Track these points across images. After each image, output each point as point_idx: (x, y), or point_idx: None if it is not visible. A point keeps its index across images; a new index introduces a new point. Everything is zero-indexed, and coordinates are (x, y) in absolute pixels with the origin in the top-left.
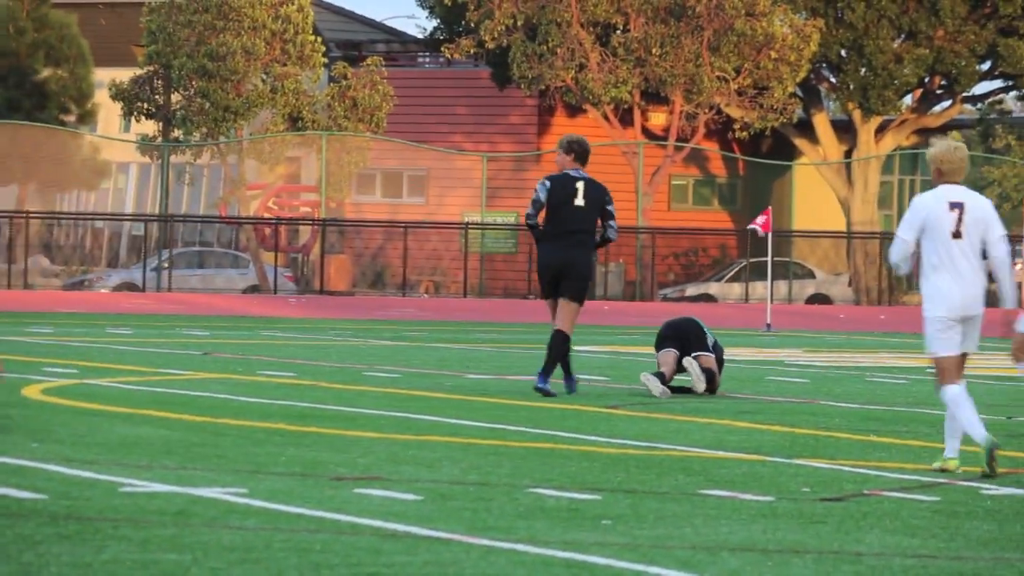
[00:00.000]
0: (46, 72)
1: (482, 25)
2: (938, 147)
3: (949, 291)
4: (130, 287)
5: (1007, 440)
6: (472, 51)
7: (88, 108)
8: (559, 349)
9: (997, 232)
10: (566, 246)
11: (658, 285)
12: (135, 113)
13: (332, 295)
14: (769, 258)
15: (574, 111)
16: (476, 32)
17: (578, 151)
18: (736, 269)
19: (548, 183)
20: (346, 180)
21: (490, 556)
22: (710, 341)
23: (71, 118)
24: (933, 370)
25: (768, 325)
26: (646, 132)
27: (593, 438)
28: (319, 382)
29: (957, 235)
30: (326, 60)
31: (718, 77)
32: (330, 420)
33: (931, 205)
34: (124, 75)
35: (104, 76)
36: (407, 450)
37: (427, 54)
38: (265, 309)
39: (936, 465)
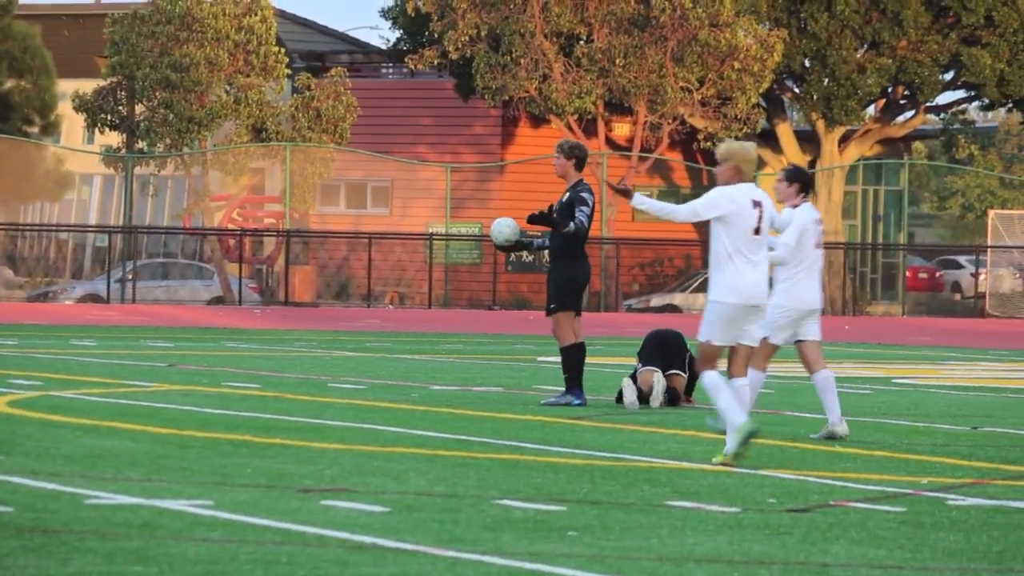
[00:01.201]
0: (9, 83)
1: (446, 36)
2: (734, 145)
3: (744, 283)
4: (94, 299)
5: (972, 450)
6: (436, 62)
7: (52, 119)
8: (583, 359)
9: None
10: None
11: (623, 296)
12: (99, 124)
13: (297, 306)
14: None
15: (538, 122)
16: (440, 43)
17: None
18: (701, 279)
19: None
20: (310, 191)
21: (457, 567)
22: (687, 357)
23: (35, 129)
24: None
25: None
26: (610, 143)
27: (559, 449)
28: (284, 394)
29: (757, 232)
30: (289, 71)
31: (682, 88)
32: (296, 432)
33: (740, 200)
34: (88, 86)
35: (67, 87)
36: (373, 461)
37: (390, 65)
38: (230, 320)
39: (721, 457)
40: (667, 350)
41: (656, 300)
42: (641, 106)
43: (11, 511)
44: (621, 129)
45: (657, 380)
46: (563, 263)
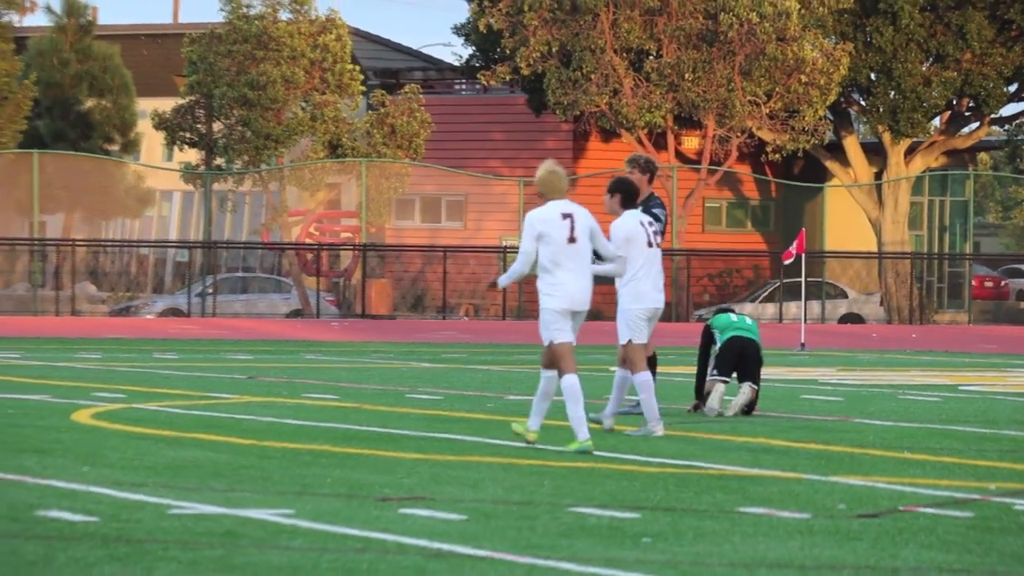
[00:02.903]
0: (90, 103)
1: (517, 52)
2: (542, 172)
3: (567, 288)
4: (175, 312)
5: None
6: (508, 78)
7: (131, 137)
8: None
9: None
10: None
11: (694, 306)
12: (178, 142)
13: (373, 318)
14: (803, 279)
15: (609, 136)
16: (512, 59)
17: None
18: (770, 289)
19: None
20: (386, 206)
21: (533, 574)
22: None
23: (115, 147)
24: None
25: (802, 345)
26: (680, 156)
27: (633, 457)
28: (362, 404)
29: (572, 240)
30: (364, 88)
31: (750, 101)
32: (374, 442)
33: (547, 218)
34: (166, 104)
35: (147, 106)
36: (451, 470)
37: (463, 81)
38: (308, 333)
39: (518, 429)
40: (746, 359)
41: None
42: (710, 120)
43: (97, 521)
44: (690, 142)
45: (740, 391)
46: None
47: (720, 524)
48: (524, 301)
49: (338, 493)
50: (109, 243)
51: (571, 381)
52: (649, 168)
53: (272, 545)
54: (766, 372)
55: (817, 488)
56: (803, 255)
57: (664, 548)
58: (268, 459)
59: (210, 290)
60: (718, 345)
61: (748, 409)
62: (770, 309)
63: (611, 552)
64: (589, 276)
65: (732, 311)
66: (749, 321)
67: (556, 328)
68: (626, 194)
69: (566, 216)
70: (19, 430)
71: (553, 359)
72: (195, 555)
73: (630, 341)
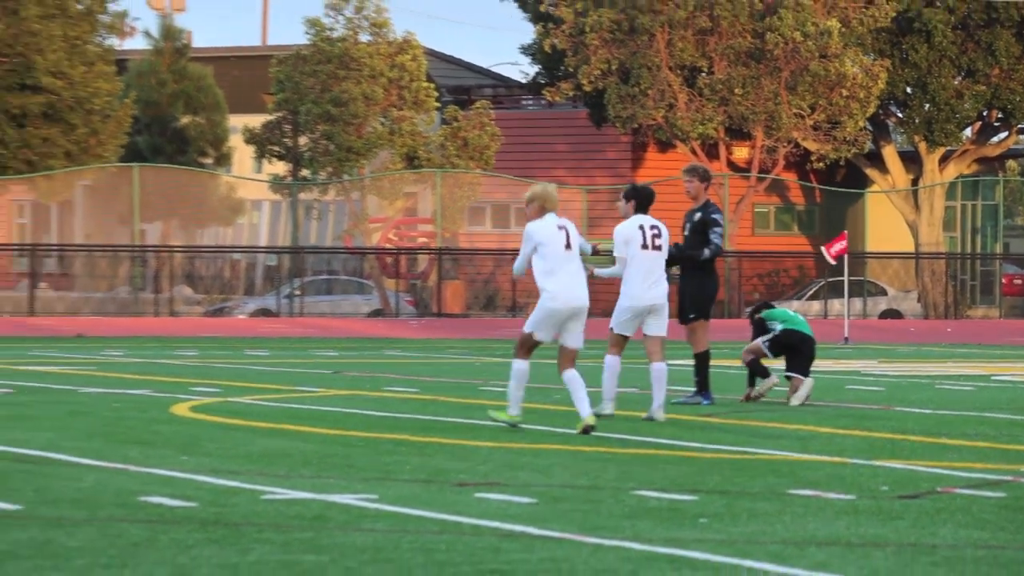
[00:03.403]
0: (185, 119)
1: (580, 70)
2: (537, 188)
3: (564, 289)
4: (265, 313)
5: None
6: (571, 93)
7: (224, 151)
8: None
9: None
10: None
11: (744, 303)
12: (266, 155)
13: (448, 317)
14: (846, 277)
15: (665, 147)
16: (574, 76)
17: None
18: (815, 288)
19: None
20: (459, 212)
21: (599, 553)
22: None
23: (209, 160)
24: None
25: (846, 339)
26: (731, 165)
27: (690, 444)
28: (440, 397)
29: (568, 247)
30: (439, 104)
31: (795, 114)
32: (451, 431)
33: (546, 229)
34: (256, 121)
35: (238, 122)
36: (522, 457)
37: (530, 97)
38: (388, 331)
39: (494, 414)
40: (801, 353)
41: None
42: (758, 131)
43: (196, 506)
44: (740, 152)
45: (806, 385)
46: (697, 277)
47: (772, 505)
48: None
49: (418, 479)
50: (204, 249)
51: (521, 366)
52: (706, 177)
53: (357, 528)
54: (814, 365)
55: (861, 471)
56: (846, 255)
57: (720, 528)
58: (353, 448)
59: (297, 292)
60: (777, 332)
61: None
62: (815, 306)
63: (671, 532)
64: (584, 279)
65: (773, 307)
66: (801, 318)
67: (541, 326)
68: (640, 200)
69: (561, 228)
70: (123, 422)
71: (522, 346)
72: (286, 537)
73: (611, 328)
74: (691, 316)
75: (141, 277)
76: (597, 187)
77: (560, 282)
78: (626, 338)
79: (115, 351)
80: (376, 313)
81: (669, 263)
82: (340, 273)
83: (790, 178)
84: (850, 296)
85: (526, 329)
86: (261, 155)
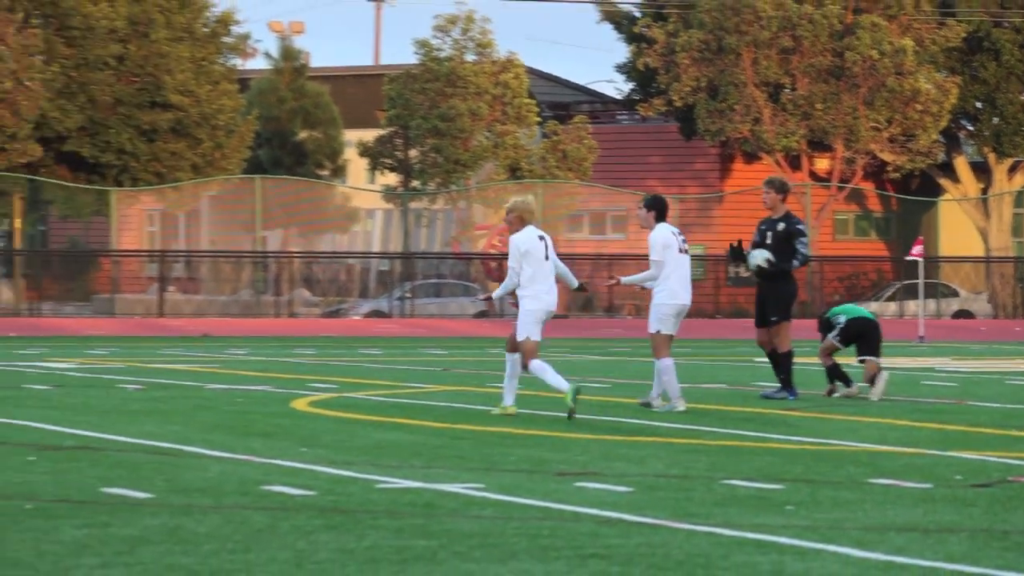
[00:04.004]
0: (304, 134)
1: (671, 87)
2: (518, 201)
3: (545, 295)
4: (378, 314)
5: None
6: (663, 109)
7: (339, 163)
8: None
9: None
10: None
11: (826, 305)
12: (379, 167)
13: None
14: (921, 280)
15: (750, 158)
16: (666, 93)
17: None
18: (892, 290)
19: None
20: (559, 220)
21: (692, 538)
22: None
23: (325, 172)
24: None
25: (921, 337)
26: (813, 175)
27: (775, 436)
28: (540, 392)
29: (547, 258)
30: (539, 119)
31: (873, 127)
32: (553, 424)
33: (530, 239)
34: (369, 135)
35: (352, 136)
36: (618, 449)
37: (625, 112)
38: (493, 331)
39: (497, 411)
40: (867, 338)
41: None
42: (838, 143)
43: (314, 495)
44: (821, 163)
45: (882, 378)
46: (776, 282)
47: (853, 494)
48: None
49: (521, 469)
50: (321, 255)
51: (534, 364)
52: (783, 189)
53: (465, 514)
54: (891, 362)
55: (937, 462)
56: (921, 259)
57: (805, 515)
58: (460, 440)
59: (408, 294)
60: (841, 324)
61: (872, 379)
62: (892, 307)
63: (759, 519)
64: (554, 285)
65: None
66: (862, 308)
67: (532, 328)
68: (659, 210)
69: (541, 238)
70: (246, 416)
71: (519, 347)
72: (399, 523)
73: (658, 331)
74: (773, 319)
75: (263, 281)
76: (687, 196)
77: (541, 287)
78: (672, 337)
79: (238, 350)
80: (481, 314)
81: (762, 274)
82: (448, 277)
83: (868, 187)
84: (925, 297)
85: (520, 337)
86: (374, 167)
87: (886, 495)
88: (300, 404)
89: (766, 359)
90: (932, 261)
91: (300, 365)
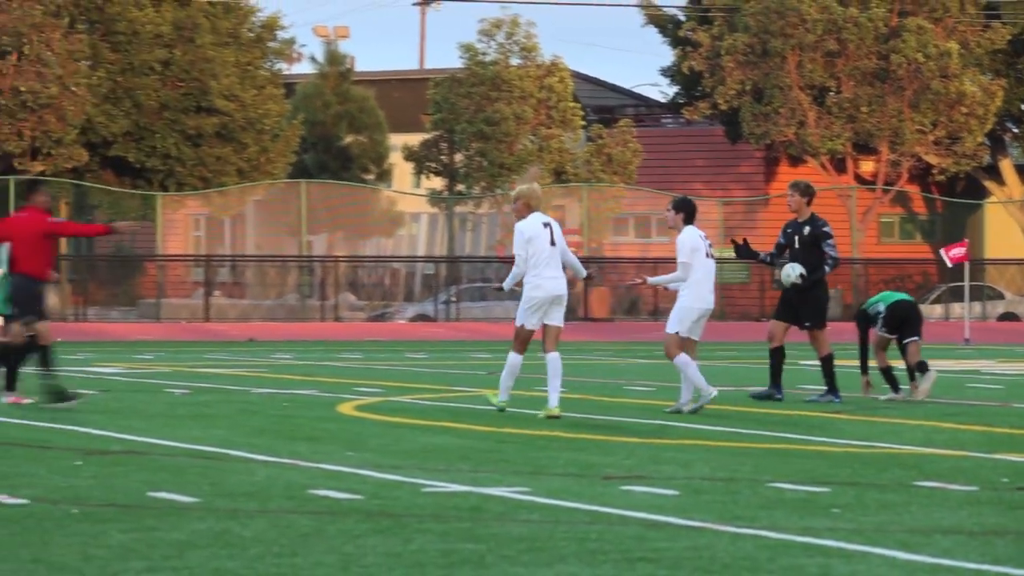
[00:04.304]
0: (349, 138)
1: (716, 90)
2: (523, 187)
3: (547, 282)
4: (424, 318)
5: None
6: (708, 112)
7: (385, 168)
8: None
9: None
10: None
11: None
12: (424, 171)
13: (594, 321)
14: (966, 283)
15: (796, 161)
16: (711, 96)
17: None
18: (937, 293)
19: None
20: (604, 224)
21: (738, 541)
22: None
23: (371, 176)
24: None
25: (966, 340)
26: (858, 178)
27: (821, 439)
28: (587, 396)
29: (552, 244)
30: (584, 123)
31: (918, 130)
32: (598, 428)
33: (533, 226)
34: (415, 139)
35: (398, 140)
36: (665, 452)
37: (669, 116)
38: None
39: (490, 398)
40: (909, 320)
41: None
42: (883, 146)
43: (361, 499)
44: (866, 166)
45: (928, 378)
46: (816, 287)
47: (899, 496)
48: (724, 305)
49: (568, 473)
50: (366, 259)
51: (516, 360)
52: (808, 192)
53: (512, 518)
54: (936, 364)
55: (982, 464)
56: (967, 262)
57: (851, 517)
58: (506, 444)
59: (453, 298)
60: (882, 313)
61: (921, 366)
62: (937, 310)
63: (805, 521)
64: (560, 270)
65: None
66: (894, 293)
67: (529, 316)
68: (688, 212)
69: (546, 225)
70: (292, 420)
71: (515, 337)
72: (446, 527)
73: (676, 332)
74: (807, 324)
75: (308, 285)
76: (732, 199)
77: (544, 274)
78: (692, 342)
79: (284, 354)
80: None
81: (796, 288)
82: (493, 281)
83: (913, 190)
84: (970, 300)
85: (517, 323)
86: (419, 171)
87: (932, 498)
88: (346, 408)
89: (816, 362)
90: (977, 263)
91: (346, 369)
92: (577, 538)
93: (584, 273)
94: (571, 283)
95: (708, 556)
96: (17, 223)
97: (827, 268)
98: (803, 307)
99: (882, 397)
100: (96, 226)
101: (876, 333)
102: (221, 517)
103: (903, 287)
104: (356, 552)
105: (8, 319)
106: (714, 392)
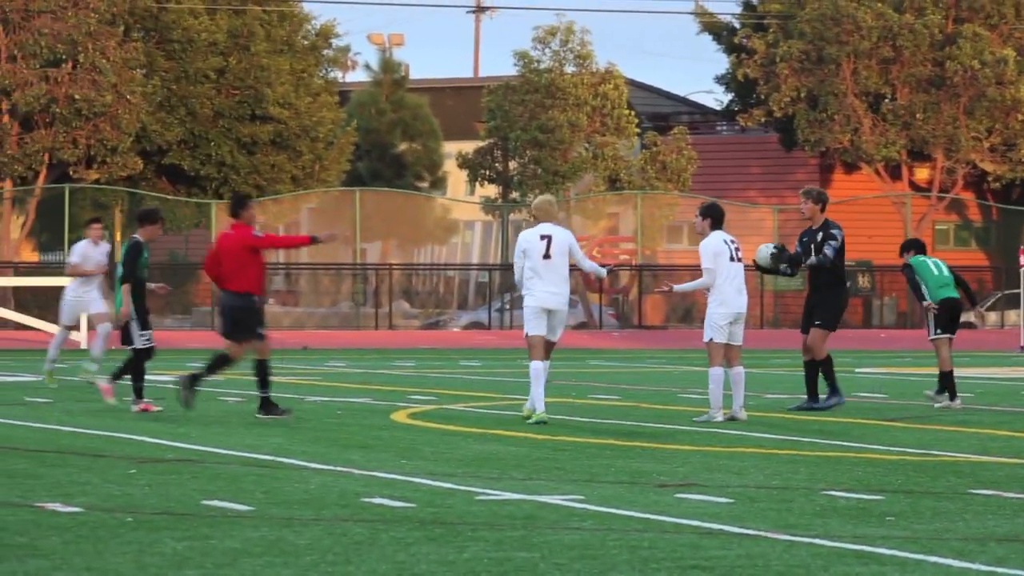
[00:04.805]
0: (403, 146)
1: (771, 97)
2: (537, 200)
3: (541, 293)
4: (478, 325)
5: None
6: (762, 119)
7: (439, 175)
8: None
9: (579, 252)
10: None
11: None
12: (479, 179)
13: (648, 329)
14: (1022, 290)
15: (850, 168)
16: (765, 103)
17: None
18: (992, 300)
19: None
20: (658, 231)
21: (792, 549)
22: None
23: (425, 184)
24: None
25: (1022, 347)
26: (912, 185)
27: (875, 447)
28: (641, 403)
29: (547, 257)
30: (639, 130)
31: (973, 137)
32: (652, 436)
33: (530, 238)
34: (468, 147)
35: (452, 148)
36: (719, 460)
37: (724, 123)
38: (592, 342)
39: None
40: (955, 316)
41: None
42: (939, 153)
43: (414, 507)
44: (921, 173)
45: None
46: (824, 290)
47: (954, 504)
48: (778, 312)
49: (621, 480)
50: (420, 267)
51: (535, 366)
52: (821, 199)
53: (565, 526)
54: (990, 372)
55: None
56: (1022, 270)
57: (905, 525)
58: (560, 451)
59: (507, 306)
60: (928, 299)
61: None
62: (993, 317)
63: (859, 530)
64: (561, 284)
65: (923, 250)
66: (947, 272)
67: (530, 323)
68: (714, 218)
69: (544, 237)
70: (346, 428)
71: (529, 348)
72: (500, 535)
73: (711, 340)
74: (817, 322)
75: (362, 293)
76: (787, 206)
77: (538, 285)
78: (730, 346)
79: (338, 362)
80: (581, 326)
81: (776, 267)
82: None
83: (968, 197)
84: None
85: (525, 333)
86: (474, 179)
87: (987, 505)
88: (400, 416)
89: (867, 370)
90: None
91: (399, 377)
92: (630, 546)
93: (603, 272)
94: (595, 283)
95: (762, 564)
96: (226, 240)
97: (814, 259)
98: (818, 307)
99: (937, 404)
100: (299, 237)
101: (936, 336)
102: (275, 525)
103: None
104: (409, 560)
105: (227, 337)
106: (719, 418)
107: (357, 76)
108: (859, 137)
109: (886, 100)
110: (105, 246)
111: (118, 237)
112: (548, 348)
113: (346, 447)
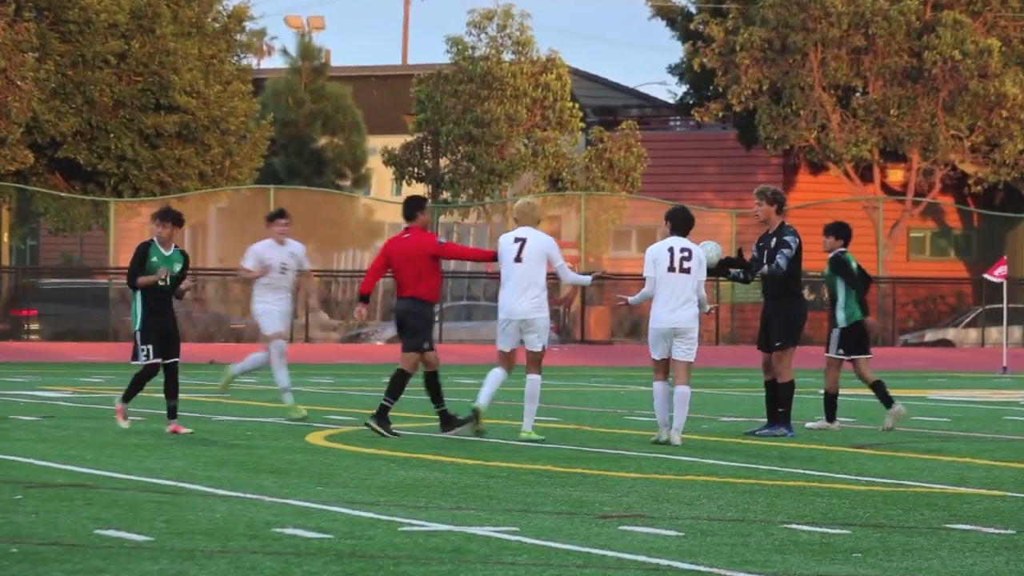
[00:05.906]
0: (323, 140)
1: (729, 90)
2: (517, 202)
3: (508, 302)
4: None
5: None
6: (720, 114)
7: (362, 173)
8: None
9: (559, 261)
10: None
11: (898, 331)
12: (406, 177)
13: (592, 344)
14: (1004, 305)
15: (817, 169)
16: (724, 96)
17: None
18: (972, 315)
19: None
20: (604, 236)
21: None
22: None
23: (346, 182)
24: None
25: (1004, 368)
26: (885, 188)
27: (842, 476)
28: (583, 426)
29: (518, 260)
30: (583, 125)
31: (953, 135)
32: (594, 461)
33: (504, 241)
34: (395, 142)
35: (377, 143)
36: (668, 489)
37: (678, 118)
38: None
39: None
40: (866, 337)
41: (930, 335)
42: (914, 153)
43: (331, 538)
44: (895, 175)
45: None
46: (781, 303)
47: (928, 540)
48: (736, 327)
49: (560, 511)
50: (340, 273)
51: (495, 371)
52: (776, 199)
53: (498, 561)
54: (969, 394)
55: (1021, 505)
56: (1004, 281)
57: (874, 563)
58: (493, 478)
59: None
60: (842, 313)
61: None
62: (972, 334)
63: (823, 567)
64: (528, 292)
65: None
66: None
67: (498, 336)
68: (675, 223)
69: (518, 240)
70: (256, 451)
71: (499, 360)
72: (425, 570)
73: (653, 357)
74: (777, 344)
75: None
76: (746, 211)
77: (504, 291)
78: (664, 361)
79: (247, 378)
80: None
81: (725, 271)
82: (480, 299)
83: (947, 202)
84: (1008, 324)
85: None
86: (401, 177)
87: (965, 542)
88: (316, 438)
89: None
90: (1018, 283)
91: (317, 395)
92: None
93: (587, 280)
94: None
95: None
96: (403, 245)
97: (765, 268)
98: (774, 323)
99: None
100: (485, 251)
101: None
102: (176, 558)
103: (934, 309)
104: None
105: (408, 348)
106: (663, 437)
107: (273, 63)
108: (827, 135)
109: (857, 94)
110: (298, 245)
111: (5, 238)
112: (531, 359)
113: (256, 472)
